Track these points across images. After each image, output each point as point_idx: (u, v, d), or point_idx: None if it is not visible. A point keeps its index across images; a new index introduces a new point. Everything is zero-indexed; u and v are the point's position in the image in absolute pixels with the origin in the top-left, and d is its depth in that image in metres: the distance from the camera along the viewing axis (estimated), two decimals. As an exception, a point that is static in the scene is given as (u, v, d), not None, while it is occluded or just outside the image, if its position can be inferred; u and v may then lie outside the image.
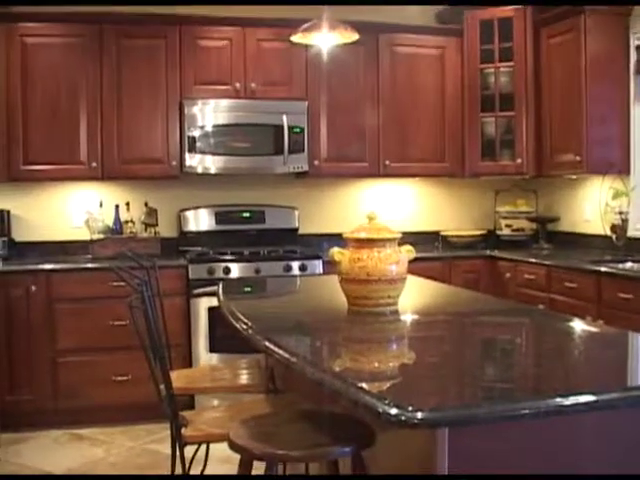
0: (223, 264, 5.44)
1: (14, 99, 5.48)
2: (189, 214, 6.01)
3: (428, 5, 6.25)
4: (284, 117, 5.77)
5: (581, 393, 1.99)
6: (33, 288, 5.19)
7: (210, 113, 5.69)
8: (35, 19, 5.52)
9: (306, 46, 5.39)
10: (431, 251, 6.02)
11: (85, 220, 5.72)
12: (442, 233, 6.41)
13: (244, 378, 3.72)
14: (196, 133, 5.66)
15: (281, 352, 2.54)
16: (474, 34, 6.12)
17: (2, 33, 5.41)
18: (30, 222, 5.84)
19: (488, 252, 5.97)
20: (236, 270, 5.46)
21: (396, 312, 3.21)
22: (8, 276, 5.18)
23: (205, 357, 5.40)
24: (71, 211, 5.91)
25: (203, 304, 5.36)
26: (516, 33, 6.04)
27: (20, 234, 5.78)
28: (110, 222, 5.76)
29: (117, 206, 5.79)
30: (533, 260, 5.49)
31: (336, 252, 3.24)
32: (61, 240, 5.85)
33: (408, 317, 3.32)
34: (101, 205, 5.78)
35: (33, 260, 5.46)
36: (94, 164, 5.58)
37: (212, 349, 5.40)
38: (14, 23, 5.46)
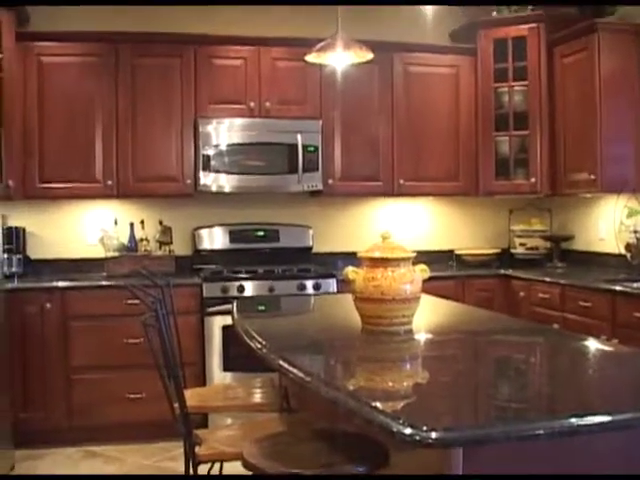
0: (237, 282, 5.45)
1: (30, 117, 5.52)
2: (203, 232, 6.03)
3: (438, 5, 6.21)
4: (298, 136, 5.79)
5: (596, 413, 1.98)
6: (48, 305, 5.21)
7: (225, 132, 5.71)
8: (51, 38, 5.58)
9: (320, 65, 5.40)
10: (445, 270, 6.02)
11: (100, 238, 5.74)
12: (456, 252, 6.40)
13: (258, 397, 3.72)
14: (211, 152, 5.68)
15: (295, 371, 2.54)
16: (488, 53, 6.13)
17: (20, 52, 5.45)
18: (45, 239, 5.87)
19: (502, 271, 5.96)
20: (250, 289, 5.46)
21: (410, 331, 3.21)
22: (23, 293, 5.20)
23: (219, 376, 5.40)
24: (86, 229, 5.94)
25: (217, 322, 5.37)
26: (530, 52, 6.04)
27: (35, 251, 5.80)
28: (125, 240, 5.78)
29: (132, 224, 5.81)
30: (547, 279, 5.47)
31: (350, 271, 3.25)
32: (76, 258, 5.88)
33: (422, 336, 3.32)
34: (116, 223, 5.81)
35: (48, 277, 5.49)
36: (109, 182, 5.61)
37: (226, 368, 5.40)
38: (31, 42, 5.52)
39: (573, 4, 5.88)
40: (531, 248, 6.41)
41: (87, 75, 5.62)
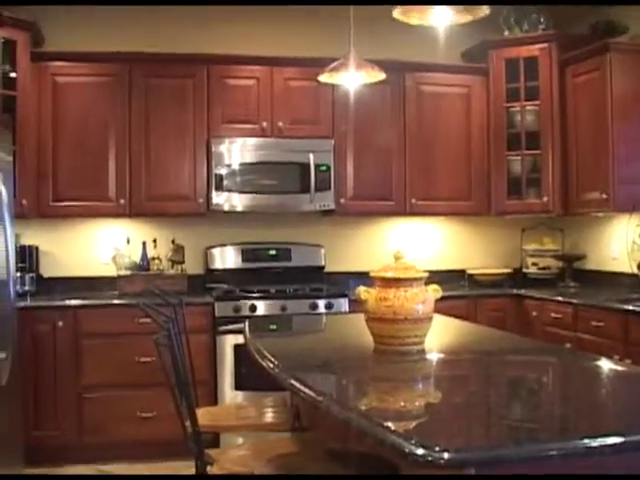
0: (249, 302, 5.45)
1: (45, 136, 5.57)
2: (215, 251, 6.05)
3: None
4: (310, 155, 5.81)
5: (609, 434, 1.97)
6: (60, 323, 5.23)
7: (237, 151, 5.73)
8: (66, 59, 5.64)
9: (333, 85, 5.42)
10: (457, 290, 6.00)
11: (112, 256, 5.78)
12: (468, 271, 6.40)
13: (269, 416, 3.72)
14: (223, 171, 5.70)
15: (307, 390, 2.54)
16: (499, 73, 6.15)
17: (35, 72, 5.51)
18: (58, 258, 5.90)
19: (514, 290, 5.94)
20: (262, 308, 5.47)
21: (422, 351, 3.20)
22: (36, 311, 5.23)
23: (230, 395, 5.39)
24: (99, 247, 5.97)
25: (229, 341, 5.37)
26: (541, 72, 6.05)
27: (48, 270, 5.83)
28: (137, 259, 5.80)
29: (144, 243, 5.83)
30: (560, 299, 5.46)
31: (362, 291, 3.25)
32: (88, 276, 5.91)
33: (434, 356, 3.31)
34: (128, 242, 5.84)
35: (60, 296, 5.51)
36: (122, 201, 5.64)
37: (237, 387, 5.39)
38: (46, 62, 5.58)
39: (575, 4, 5.89)
40: (543, 268, 6.40)
41: (101, 95, 5.67)
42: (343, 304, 5.62)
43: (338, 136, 5.98)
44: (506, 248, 6.64)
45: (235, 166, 5.73)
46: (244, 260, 6.07)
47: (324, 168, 5.86)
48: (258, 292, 5.58)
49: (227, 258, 6.06)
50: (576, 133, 5.89)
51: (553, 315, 5.46)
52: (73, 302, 5.31)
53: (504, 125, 6.16)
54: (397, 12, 3.30)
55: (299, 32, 6.25)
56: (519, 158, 6.14)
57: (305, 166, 5.81)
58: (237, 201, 5.73)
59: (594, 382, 2.82)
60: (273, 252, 6.13)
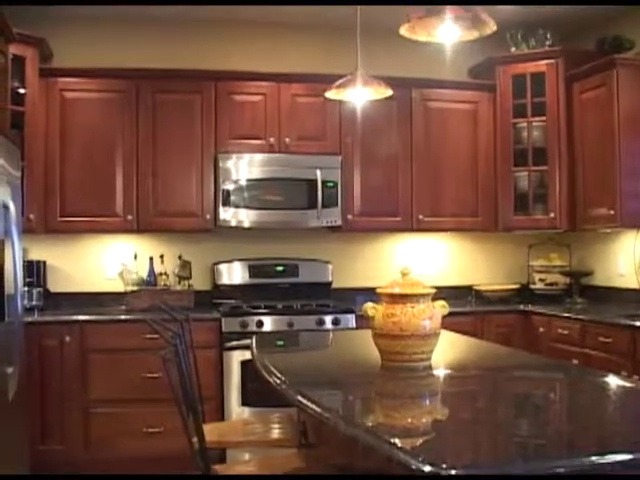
0: (256, 317, 5.44)
1: (53, 152, 5.59)
2: (223, 267, 6.05)
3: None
4: (318, 172, 5.82)
5: (617, 451, 1.97)
6: (67, 338, 5.23)
7: (244, 167, 5.74)
8: (74, 74, 5.66)
9: (340, 101, 5.44)
10: (464, 305, 6.00)
11: (119, 272, 5.77)
12: (475, 287, 6.39)
13: (276, 432, 3.71)
14: (230, 187, 5.71)
15: (314, 407, 2.54)
16: (506, 89, 6.16)
17: (43, 88, 5.54)
18: (65, 273, 5.91)
19: (521, 306, 5.93)
20: (269, 324, 5.46)
21: (429, 367, 3.20)
22: (43, 326, 5.23)
23: (237, 410, 5.38)
24: (106, 262, 5.99)
25: (236, 357, 5.36)
26: (548, 88, 6.06)
27: (55, 285, 5.85)
28: (144, 274, 5.80)
29: (151, 258, 5.83)
30: (567, 315, 5.44)
31: (369, 307, 3.25)
32: (96, 291, 5.92)
33: (441, 372, 3.31)
34: (135, 257, 5.84)
35: (68, 311, 5.51)
36: (130, 217, 5.65)
37: (244, 402, 5.38)
38: (54, 78, 5.60)
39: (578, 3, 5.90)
40: (550, 284, 6.39)
41: (108, 111, 5.69)
42: (350, 320, 5.60)
43: (345, 152, 6.00)
44: (513, 264, 6.63)
45: (242, 182, 5.73)
46: (251, 276, 6.07)
47: (331, 184, 5.86)
48: (265, 308, 5.59)
49: (234, 274, 6.06)
50: (583, 149, 5.88)
51: (560, 331, 5.44)
52: (80, 317, 5.31)
53: (511, 141, 6.17)
54: (404, 29, 3.30)
55: (306, 48, 6.28)
56: (526, 174, 6.14)
57: (312, 182, 5.81)
58: (244, 217, 5.73)
59: (602, 399, 2.82)
60: (280, 268, 6.14)
